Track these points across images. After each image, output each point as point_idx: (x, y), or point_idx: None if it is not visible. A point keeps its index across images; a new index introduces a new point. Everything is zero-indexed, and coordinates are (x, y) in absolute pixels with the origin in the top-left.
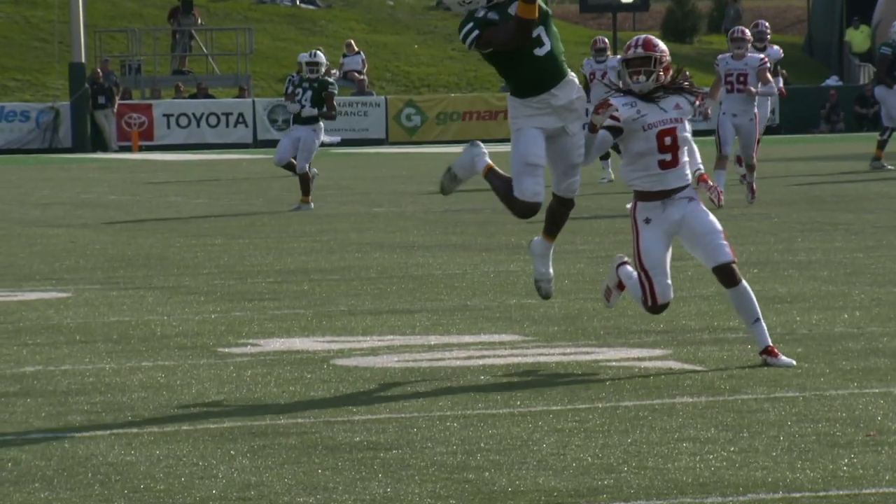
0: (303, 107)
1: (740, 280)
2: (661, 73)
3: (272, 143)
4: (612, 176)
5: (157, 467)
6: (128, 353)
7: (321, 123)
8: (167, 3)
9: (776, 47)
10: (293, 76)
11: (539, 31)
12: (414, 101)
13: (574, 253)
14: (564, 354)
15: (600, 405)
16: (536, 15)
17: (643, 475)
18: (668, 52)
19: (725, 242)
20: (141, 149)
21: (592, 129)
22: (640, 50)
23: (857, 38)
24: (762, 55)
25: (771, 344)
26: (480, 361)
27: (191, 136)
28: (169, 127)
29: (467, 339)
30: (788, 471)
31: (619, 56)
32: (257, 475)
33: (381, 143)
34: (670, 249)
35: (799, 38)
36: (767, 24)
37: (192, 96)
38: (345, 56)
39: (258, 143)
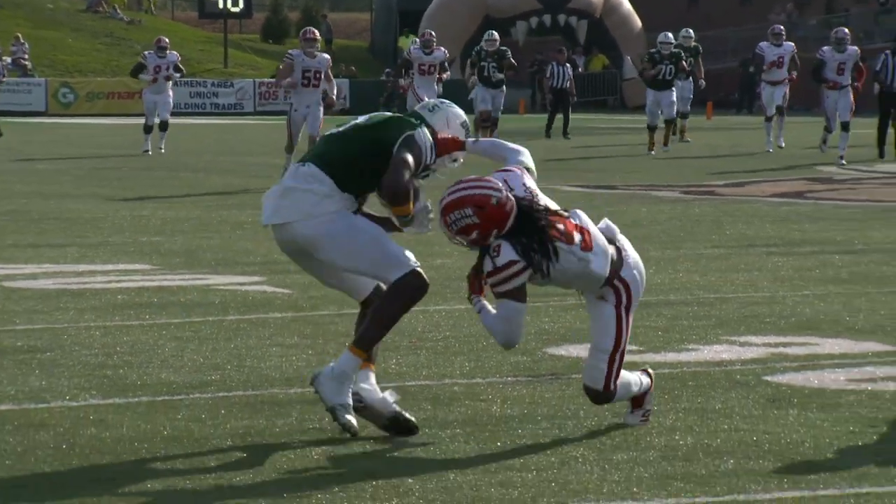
0: None
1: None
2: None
3: None
4: None
5: None
6: None
7: None
8: None
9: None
10: None
11: None
12: (69, 82)
13: (195, 200)
14: (184, 280)
15: (211, 318)
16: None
17: (242, 372)
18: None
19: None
20: None
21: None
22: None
23: (407, 43)
24: (328, 56)
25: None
26: (118, 285)
27: None
28: None
29: (108, 267)
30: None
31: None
32: None
33: (41, 115)
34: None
35: (364, 43)
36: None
37: None
38: (13, 46)
39: None
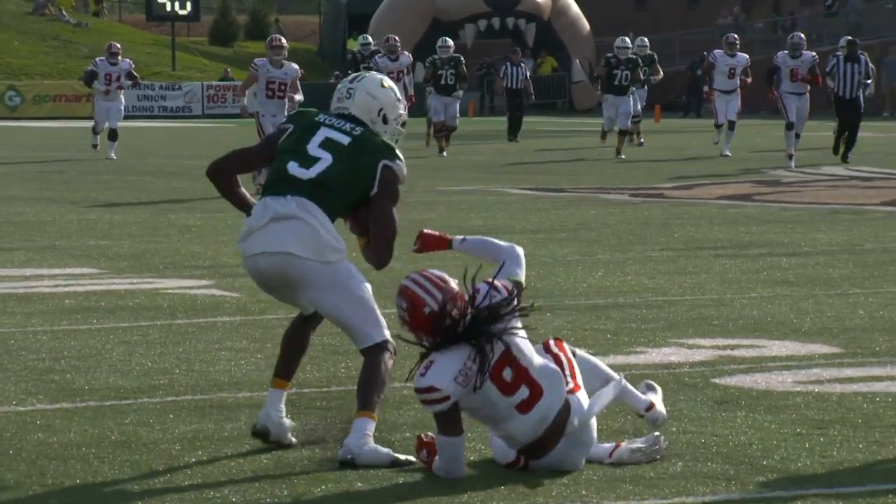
0: None
1: None
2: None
3: None
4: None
5: None
6: None
7: None
8: None
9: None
10: None
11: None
12: (15, 85)
13: (143, 204)
14: (132, 283)
15: (159, 322)
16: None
17: (191, 376)
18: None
19: None
20: None
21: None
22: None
23: (356, 45)
24: (297, 66)
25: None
26: (66, 289)
27: None
28: None
29: (55, 271)
30: (301, 372)
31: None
32: None
33: None
34: None
35: (313, 46)
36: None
37: None
38: None
39: None
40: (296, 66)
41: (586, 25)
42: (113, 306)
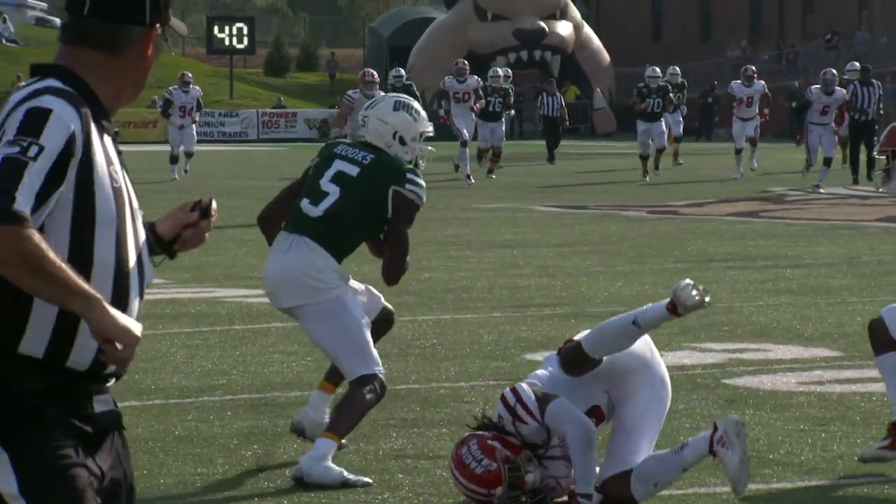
0: None
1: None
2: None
3: None
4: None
5: None
6: None
7: None
8: None
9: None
10: None
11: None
12: None
13: None
14: (194, 292)
15: (218, 328)
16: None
17: (247, 377)
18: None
19: None
20: None
21: None
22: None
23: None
24: (383, 94)
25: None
26: None
27: None
28: None
29: None
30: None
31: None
32: None
33: None
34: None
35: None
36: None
37: None
38: None
39: None
40: (383, 94)
41: (607, 57)
42: (176, 313)
